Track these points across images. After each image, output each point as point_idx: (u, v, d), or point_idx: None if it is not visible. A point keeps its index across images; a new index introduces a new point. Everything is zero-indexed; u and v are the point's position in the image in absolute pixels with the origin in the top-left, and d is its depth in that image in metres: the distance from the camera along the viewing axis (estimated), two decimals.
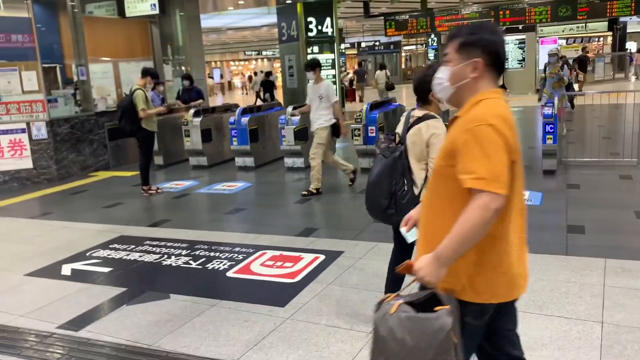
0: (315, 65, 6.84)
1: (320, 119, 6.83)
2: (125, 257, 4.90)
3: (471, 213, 1.69)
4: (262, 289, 4.02)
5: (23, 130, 8.58)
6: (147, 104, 7.21)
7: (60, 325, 3.58)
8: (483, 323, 1.91)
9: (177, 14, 11.81)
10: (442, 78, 1.94)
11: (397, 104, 9.00)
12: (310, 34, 16.00)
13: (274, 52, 46.83)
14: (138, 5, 10.08)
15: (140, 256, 4.89)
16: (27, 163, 8.64)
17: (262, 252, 4.77)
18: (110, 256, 4.94)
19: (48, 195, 7.85)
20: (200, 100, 10.63)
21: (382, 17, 20.40)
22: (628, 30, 29.89)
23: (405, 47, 44.07)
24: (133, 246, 5.18)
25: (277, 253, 4.73)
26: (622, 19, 25.23)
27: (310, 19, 15.92)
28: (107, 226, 5.97)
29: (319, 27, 16.14)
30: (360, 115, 7.87)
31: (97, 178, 8.89)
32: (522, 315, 2.16)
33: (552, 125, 7.04)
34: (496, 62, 1.88)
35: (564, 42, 29.34)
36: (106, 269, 4.61)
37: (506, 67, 2.00)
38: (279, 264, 4.49)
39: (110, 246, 5.24)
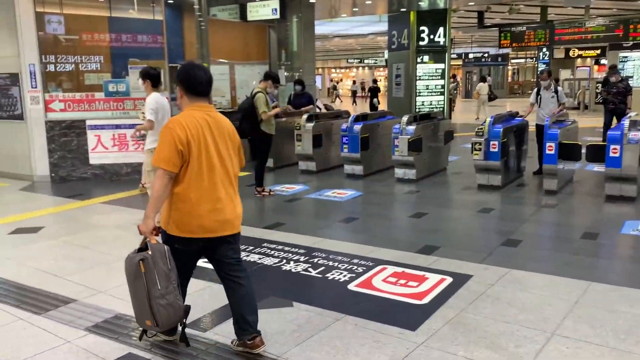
0: (144, 76, 5.95)
1: (149, 139, 5.96)
2: (245, 257, 4.89)
3: (155, 180, 2.87)
4: (388, 308, 3.81)
5: None
6: (267, 106, 7.29)
7: (188, 324, 3.58)
8: (192, 250, 3.05)
9: (293, 19, 11.98)
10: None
11: (522, 118, 8.43)
12: (421, 43, 15.67)
13: (375, 60, 46.75)
14: (260, 9, 10.32)
15: (260, 258, 4.86)
16: None
17: (383, 267, 4.56)
18: None
19: None
20: (312, 106, 10.65)
21: (496, 28, 19.56)
22: None
23: (513, 60, 42.27)
24: (252, 247, 5.18)
25: (399, 270, 4.50)
26: None
27: (422, 27, 15.59)
28: None
29: (431, 36, 15.75)
30: (482, 128, 7.45)
31: None
32: None
33: None
34: (188, 88, 3.00)
35: None
36: None
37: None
38: (402, 281, 4.26)
39: None
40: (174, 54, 10.63)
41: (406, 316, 3.65)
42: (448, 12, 15.73)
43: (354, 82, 38.51)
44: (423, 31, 15.64)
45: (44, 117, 8.77)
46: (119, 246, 5.35)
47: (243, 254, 4.98)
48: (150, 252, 2.86)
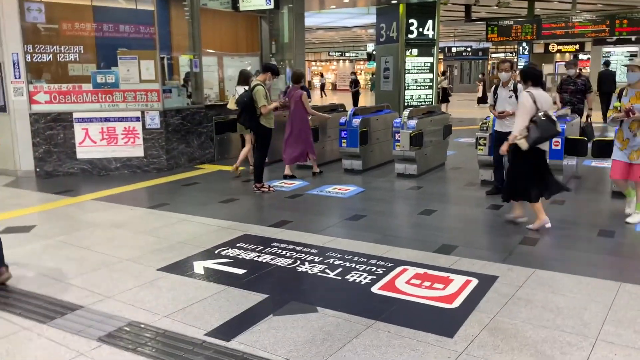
0: None
1: None
2: (256, 258, 4.66)
3: None
4: (418, 312, 3.62)
5: (137, 119, 8.65)
6: (267, 99, 7.04)
7: (209, 332, 3.34)
8: None
9: (284, 9, 11.67)
10: None
11: None
12: (410, 36, 15.52)
13: (357, 53, 46.59)
14: None
15: (272, 259, 4.63)
16: (138, 151, 8.72)
17: (404, 268, 4.37)
18: (240, 256, 4.72)
19: (160, 185, 7.85)
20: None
21: (484, 22, 19.53)
22: None
23: (494, 55, 42.58)
24: (261, 247, 4.94)
25: (421, 271, 4.32)
26: None
27: (411, 20, 15.44)
28: (228, 222, 5.79)
29: (420, 30, 15.61)
30: (486, 123, 7.31)
31: (204, 171, 8.84)
32: None
33: None
34: None
35: None
36: (240, 271, 4.38)
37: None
38: (427, 284, 4.08)
39: (237, 245, 5.02)
40: (160, 45, 10.23)
41: (440, 322, 3.47)
42: (437, 5, 15.60)
43: (322, 75, 41.61)
44: (412, 24, 15.49)
45: (29, 110, 8.36)
46: (118, 246, 5.08)
47: (252, 254, 4.76)
48: None
